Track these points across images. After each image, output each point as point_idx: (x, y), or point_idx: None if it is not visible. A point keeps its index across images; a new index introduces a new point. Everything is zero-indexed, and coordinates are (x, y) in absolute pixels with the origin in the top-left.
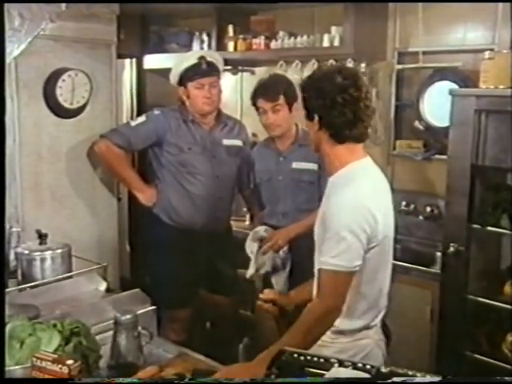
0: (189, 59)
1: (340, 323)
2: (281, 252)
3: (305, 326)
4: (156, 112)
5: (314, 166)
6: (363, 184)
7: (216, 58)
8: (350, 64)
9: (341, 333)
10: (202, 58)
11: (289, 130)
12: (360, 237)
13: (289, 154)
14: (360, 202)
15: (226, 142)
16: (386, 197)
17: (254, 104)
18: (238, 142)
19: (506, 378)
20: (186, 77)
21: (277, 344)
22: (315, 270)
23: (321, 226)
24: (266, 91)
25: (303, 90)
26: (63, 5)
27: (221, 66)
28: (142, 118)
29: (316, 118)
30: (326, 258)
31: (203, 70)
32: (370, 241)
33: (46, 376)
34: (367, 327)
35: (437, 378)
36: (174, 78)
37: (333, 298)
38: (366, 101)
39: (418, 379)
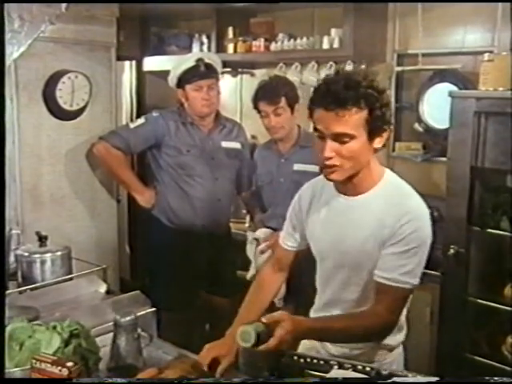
0: (187, 61)
1: (391, 339)
2: None
3: (348, 325)
4: (155, 114)
5: (315, 168)
6: (419, 198)
7: (214, 59)
8: (349, 66)
9: (393, 349)
10: (200, 60)
11: (291, 132)
12: (427, 252)
13: (290, 155)
14: (426, 214)
15: (224, 144)
16: None
17: (256, 107)
18: (237, 145)
19: (496, 378)
20: (185, 79)
21: (310, 320)
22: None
23: (375, 243)
24: (267, 94)
25: (374, 108)
26: (63, 7)
27: (219, 68)
28: (140, 120)
29: (388, 129)
30: (395, 275)
31: (201, 72)
32: None
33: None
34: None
35: (434, 379)
36: (172, 80)
37: (394, 315)
38: None
39: (416, 379)
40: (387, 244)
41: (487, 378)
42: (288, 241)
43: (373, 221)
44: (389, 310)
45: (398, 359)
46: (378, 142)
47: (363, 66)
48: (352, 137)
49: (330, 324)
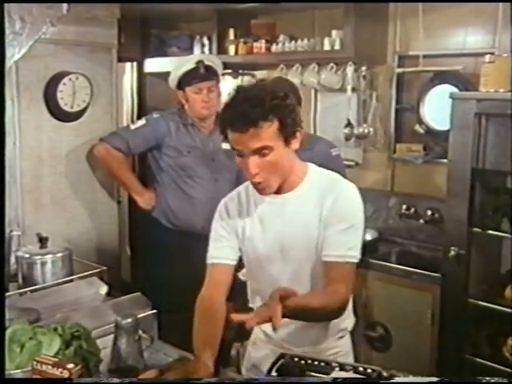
0: (187, 63)
1: (343, 322)
2: None
3: (319, 302)
4: (155, 115)
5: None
6: (348, 182)
7: (214, 61)
8: (350, 67)
9: (341, 331)
10: (200, 62)
11: None
12: (363, 228)
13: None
14: (358, 195)
15: (225, 145)
16: None
17: None
18: None
19: (488, 378)
20: (185, 81)
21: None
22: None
23: (320, 226)
24: None
25: (282, 116)
26: (64, 8)
27: (219, 70)
28: (141, 122)
29: (299, 131)
30: (344, 251)
31: (201, 75)
32: None
33: None
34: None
35: (434, 379)
36: (172, 82)
37: (349, 290)
38: None
39: (416, 379)
40: (328, 225)
41: (480, 377)
42: (229, 254)
43: (309, 211)
44: (344, 286)
45: (349, 349)
46: (295, 143)
47: (364, 68)
48: (271, 149)
49: (307, 302)
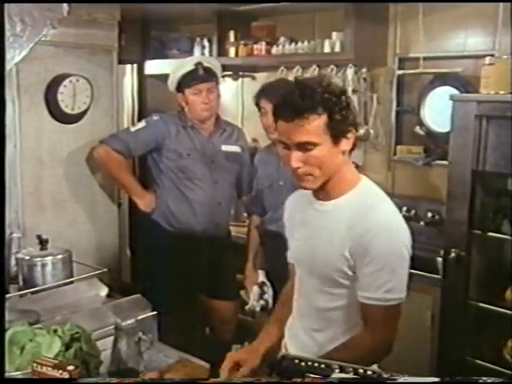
0: (186, 65)
1: None
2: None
3: (346, 357)
4: (155, 118)
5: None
6: (391, 206)
7: (213, 63)
8: (350, 69)
9: None
10: (199, 63)
11: None
12: (405, 263)
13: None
14: (398, 225)
15: (224, 147)
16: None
17: (257, 104)
18: (237, 149)
19: (485, 378)
20: (184, 83)
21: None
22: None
23: (340, 253)
24: (270, 92)
25: (334, 112)
26: (65, 10)
27: (219, 72)
28: (141, 124)
29: (353, 130)
30: (382, 294)
31: (200, 76)
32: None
33: None
34: None
35: (435, 379)
36: (172, 84)
37: (386, 331)
38: None
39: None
40: (362, 263)
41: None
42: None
43: (341, 227)
44: (380, 329)
45: None
46: (344, 145)
47: (364, 70)
48: (315, 144)
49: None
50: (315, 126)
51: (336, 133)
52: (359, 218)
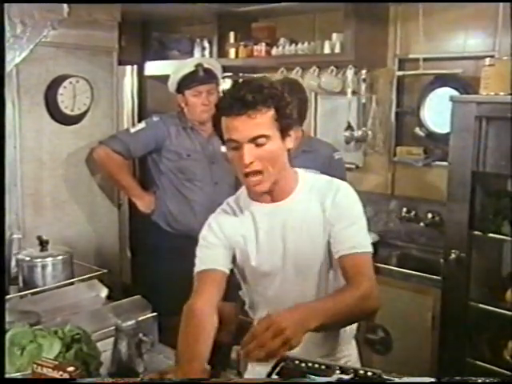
0: (186, 67)
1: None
2: None
3: (345, 301)
4: (155, 119)
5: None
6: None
7: (213, 64)
8: (350, 70)
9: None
10: (199, 65)
11: None
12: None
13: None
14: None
15: (224, 149)
16: None
17: None
18: None
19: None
20: (184, 84)
21: (312, 307)
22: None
23: (326, 227)
24: None
25: (281, 106)
26: (65, 12)
27: (219, 73)
28: (141, 125)
29: (295, 127)
30: (353, 243)
31: (200, 78)
32: None
33: None
34: None
35: (430, 379)
36: (172, 85)
37: (371, 280)
38: None
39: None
40: (333, 225)
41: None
42: (224, 261)
43: (312, 215)
44: (365, 276)
45: (356, 353)
46: (289, 142)
47: (364, 71)
48: (267, 137)
49: (326, 303)
50: (267, 118)
51: (283, 127)
52: (325, 193)
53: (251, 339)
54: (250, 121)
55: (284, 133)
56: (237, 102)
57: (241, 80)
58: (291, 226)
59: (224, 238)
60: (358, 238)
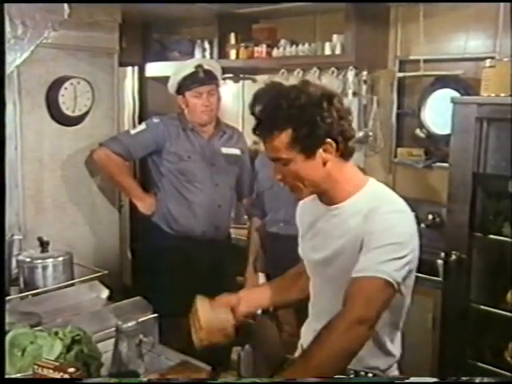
0: (186, 68)
1: (380, 360)
2: None
3: (325, 346)
4: (155, 120)
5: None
6: (399, 201)
7: (214, 65)
8: (351, 72)
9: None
10: (199, 66)
11: None
12: (405, 252)
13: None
14: (405, 214)
15: (224, 150)
16: (413, 220)
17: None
18: (237, 151)
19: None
20: (184, 86)
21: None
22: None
23: (350, 253)
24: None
25: (298, 127)
26: (66, 13)
27: (219, 74)
28: (141, 126)
29: (329, 142)
30: (369, 265)
31: (201, 79)
32: (410, 261)
33: None
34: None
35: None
36: (172, 87)
37: (369, 310)
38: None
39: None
40: (363, 247)
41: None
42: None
43: (347, 230)
44: (362, 304)
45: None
46: (324, 156)
47: (365, 72)
48: (285, 160)
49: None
50: (281, 142)
51: (305, 146)
52: (365, 215)
53: None
54: (268, 145)
55: (308, 151)
56: (256, 125)
57: (264, 84)
58: (331, 231)
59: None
60: (372, 261)
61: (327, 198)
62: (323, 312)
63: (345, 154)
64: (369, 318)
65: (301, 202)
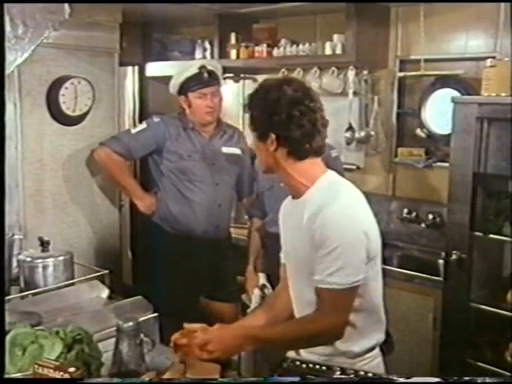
0: (189, 69)
1: (354, 345)
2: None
3: (295, 332)
4: (156, 119)
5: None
6: (348, 197)
7: (216, 66)
8: (351, 71)
9: (358, 355)
10: (202, 67)
11: None
12: (359, 250)
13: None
14: (351, 214)
15: (225, 149)
16: (369, 211)
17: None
18: (237, 151)
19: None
20: (187, 86)
21: (259, 328)
22: (300, 289)
23: (308, 247)
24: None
25: (251, 109)
26: (66, 13)
27: (220, 74)
28: (142, 126)
29: (272, 136)
30: (323, 277)
31: (205, 80)
32: (368, 253)
33: None
34: (376, 345)
35: (435, 379)
36: (174, 87)
37: (333, 314)
38: (322, 111)
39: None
40: (317, 248)
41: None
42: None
43: (304, 223)
44: (328, 312)
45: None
46: (270, 145)
47: (365, 72)
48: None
49: (271, 331)
50: (250, 118)
51: (256, 129)
52: (317, 210)
53: (180, 335)
54: None
55: (259, 134)
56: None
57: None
58: (294, 226)
59: None
60: (328, 271)
61: (291, 193)
62: (301, 303)
63: (298, 153)
64: (338, 323)
65: (283, 203)
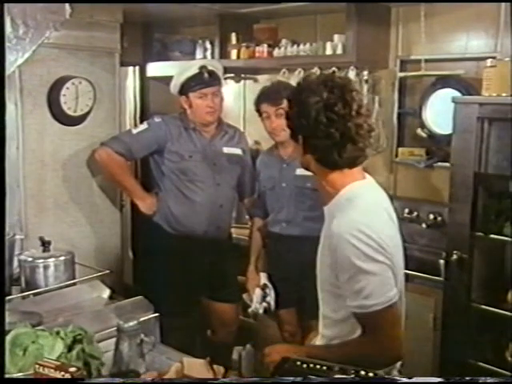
0: (190, 69)
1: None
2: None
3: (344, 354)
4: (157, 120)
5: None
6: (361, 203)
7: (217, 66)
8: (352, 72)
9: None
10: (203, 67)
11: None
12: (379, 259)
13: (292, 160)
14: (361, 221)
15: (226, 150)
16: (384, 223)
17: (258, 110)
18: (238, 151)
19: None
20: (188, 87)
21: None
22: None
23: (328, 256)
24: (269, 96)
25: (289, 105)
26: (67, 13)
27: (221, 74)
28: (143, 126)
29: (300, 139)
30: (360, 300)
31: (205, 80)
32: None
33: None
34: None
35: (437, 379)
36: (174, 87)
37: (384, 337)
38: (358, 118)
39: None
40: (338, 272)
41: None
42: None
43: (326, 233)
44: (380, 334)
45: None
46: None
47: (366, 72)
48: None
49: (326, 353)
50: None
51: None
52: (328, 229)
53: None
54: None
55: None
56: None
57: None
58: (323, 233)
59: None
60: (362, 295)
61: (322, 197)
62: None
63: (325, 162)
64: (393, 344)
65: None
